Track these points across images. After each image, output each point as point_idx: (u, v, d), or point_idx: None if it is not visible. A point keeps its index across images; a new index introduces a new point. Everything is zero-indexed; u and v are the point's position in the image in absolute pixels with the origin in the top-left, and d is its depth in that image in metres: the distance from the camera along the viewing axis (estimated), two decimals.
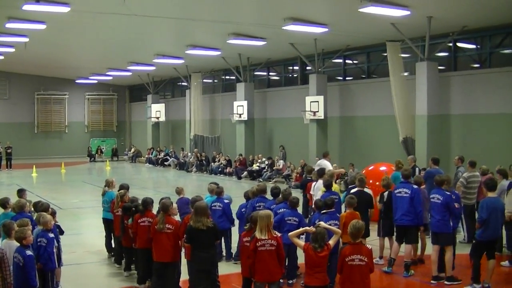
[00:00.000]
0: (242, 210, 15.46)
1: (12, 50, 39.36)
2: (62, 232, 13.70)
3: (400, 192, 15.08)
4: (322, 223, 11.54)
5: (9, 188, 32.79)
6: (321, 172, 18.49)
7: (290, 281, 13.72)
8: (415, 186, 15.08)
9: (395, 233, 15.57)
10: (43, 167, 47.07)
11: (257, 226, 10.96)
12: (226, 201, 15.97)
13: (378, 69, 33.58)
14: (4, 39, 34.77)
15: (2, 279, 10.10)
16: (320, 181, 17.54)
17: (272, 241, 10.87)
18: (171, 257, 12.53)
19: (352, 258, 10.25)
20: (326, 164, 23.68)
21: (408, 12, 23.63)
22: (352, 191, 16.00)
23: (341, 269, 10.37)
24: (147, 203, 13.61)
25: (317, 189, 17.56)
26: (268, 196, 15.53)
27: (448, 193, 14.20)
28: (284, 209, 13.93)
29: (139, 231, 13.47)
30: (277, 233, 11.22)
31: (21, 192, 15.21)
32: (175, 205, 13.40)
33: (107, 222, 16.61)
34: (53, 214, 13.31)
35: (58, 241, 12.64)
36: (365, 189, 16.09)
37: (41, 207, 13.57)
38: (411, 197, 14.79)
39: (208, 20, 28.65)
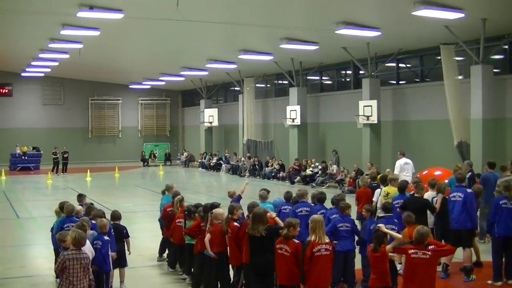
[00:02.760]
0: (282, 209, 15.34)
1: (66, 56, 39.93)
2: (127, 235, 14.13)
3: (454, 196, 15.01)
4: (382, 227, 11.50)
5: (64, 192, 33.26)
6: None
7: None
8: (469, 190, 14.94)
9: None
10: (97, 172, 47.64)
11: (312, 231, 10.92)
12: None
13: (432, 72, 33.21)
14: (59, 45, 35.30)
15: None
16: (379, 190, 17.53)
17: (327, 246, 10.85)
18: (233, 261, 12.65)
19: (415, 251, 10.30)
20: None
21: (462, 15, 23.33)
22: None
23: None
24: (207, 208, 13.71)
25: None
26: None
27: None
28: (336, 215, 13.84)
29: (202, 235, 13.54)
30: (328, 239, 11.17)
31: (80, 197, 15.46)
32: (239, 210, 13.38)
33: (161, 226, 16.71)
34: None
35: (111, 245, 12.83)
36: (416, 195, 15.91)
37: (97, 212, 13.90)
38: (464, 201, 14.69)
39: (260, 25, 28.71)
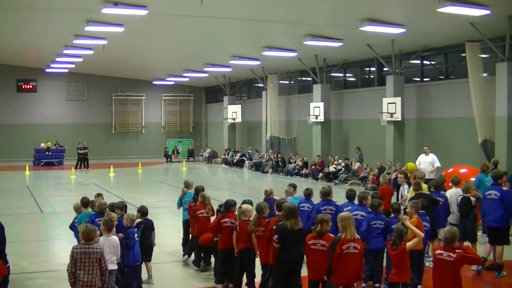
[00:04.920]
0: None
1: (90, 52, 40.09)
2: (153, 228, 14.22)
3: (490, 194, 15.05)
4: (407, 221, 11.45)
5: (87, 188, 33.40)
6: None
7: (377, 285, 13.52)
8: (505, 188, 14.96)
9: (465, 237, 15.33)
10: (120, 167, 47.78)
11: (344, 229, 10.93)
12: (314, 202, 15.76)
13: (457, 70, 33.04)
14: (84, 42, 35.46)
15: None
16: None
17: (357, 244, 10.86)
18: (265, 259, 12.51)
19: (441, 253, 10.26)
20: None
21: (488, 12, 23.17)
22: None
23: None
24: (229, 204, 13.77)
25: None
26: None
27: None
28: (357, 211, 13.85)
29: (222, 231, 13.60)
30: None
31: (98, 196, 15.56)
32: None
33: (187, 223, 16.72)
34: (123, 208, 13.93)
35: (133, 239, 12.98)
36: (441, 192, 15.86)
37: (119, 204, 14.15)
38: (501, 199, 14.74)
39: (284, 22, 28.67)
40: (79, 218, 14.21)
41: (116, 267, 11.82)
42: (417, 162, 26.05)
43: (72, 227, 14.74)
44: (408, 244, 11.06)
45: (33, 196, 31.17)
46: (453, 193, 16.05)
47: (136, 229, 13.34)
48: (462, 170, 21.72)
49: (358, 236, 11.13)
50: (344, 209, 13.79)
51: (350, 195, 14.86)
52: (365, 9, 25.70)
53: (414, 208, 12.90)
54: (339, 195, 16.51)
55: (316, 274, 11.32)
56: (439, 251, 10.30)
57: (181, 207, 17.21)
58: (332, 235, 11.33)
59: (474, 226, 15.57)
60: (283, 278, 11.72)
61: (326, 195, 14.93)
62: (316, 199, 15.73)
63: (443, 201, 15.45)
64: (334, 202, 14.91)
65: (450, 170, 22.52)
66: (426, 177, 20.63)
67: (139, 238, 13.29)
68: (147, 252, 13.85)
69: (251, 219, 12.89)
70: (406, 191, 18.00)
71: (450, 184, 16.70)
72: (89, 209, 14.36)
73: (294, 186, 16.71)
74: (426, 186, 16.79)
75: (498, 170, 16.68)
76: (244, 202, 13.64)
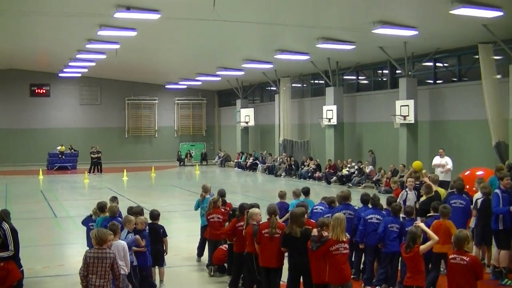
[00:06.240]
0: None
1: (103, 56, 40.25)
2: (164, 235, 14.22)
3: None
4: (421, 224, 11.45)
5: (101, 192, 33.48)
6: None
7: None
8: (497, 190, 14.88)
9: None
10: (133, 171, 47.85)
11: (332, 229, 11.02)
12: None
13: (470, 72, 32.90)
14: (96, 46, 35.56)
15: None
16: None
17: (346, 244, 11.06)
18: (277, 263, 12.33)
19: (454, 257, 10.28)
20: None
21: (501, 13, 23.05)
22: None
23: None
24: (244, 208, 13.75)
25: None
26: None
27: None
28: (372, 215, 13.83)
29: (237, 235, 13.62)
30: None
31: (113, 201, 15.59)
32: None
33: (204, 229, 16.68)
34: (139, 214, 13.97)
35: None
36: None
37: (136, 209, 14.30)
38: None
39: (296, 25, 28.70)
40: (96, 223, 14.27)
41: (125, 271, 11.81)
42: (432, 165, 26.02)
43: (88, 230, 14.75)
44: (422, 247, 11.06)
45: (47, 200, 31.28)
46: (479, 196, 15.83)
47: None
48: (479, 172, 21.55)
49: (347, 237, 11.28)
50: (362, 214, 13.84)
51: (365, 200, 14.87)
52: (378, 11, 25.67)
53: (445, 212, 12.97)
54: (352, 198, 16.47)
55: (316, 277, 11.42)
56: (452, 256, 10.29)
57: (199, 211, 17.31)
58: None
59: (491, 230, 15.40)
60: (291, 281, 11.87)
61: (344, 199, 14.81)
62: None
63: (464, 204, 15.36)
64: (353, 206, 14.84)
65: (467, 172, 22.36)
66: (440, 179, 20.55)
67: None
68: (155, 256, 13.85)
69: (259, 223, 12.83)
70: (410, 200, 17.42)
71: (475, 188, 16.57)
72: (106, 214, 14.40)
73: (305, 190, 16.76)
74: (443, 190, 16.73)
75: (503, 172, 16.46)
76: (251, 206, 13.67)
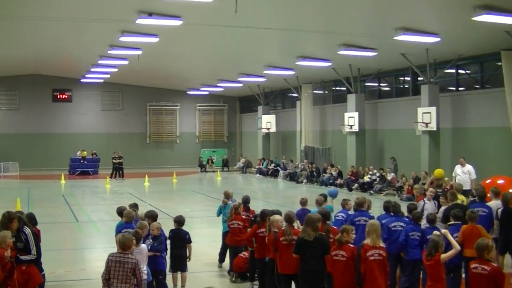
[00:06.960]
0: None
1: (125, 62, 40.45)
2: (189, 241, 14.32)
3: None
4: (445, 231, 11.41)
5: (122, 197, 33.63)
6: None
7: None
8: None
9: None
10: (154, 177, 47.92)
11: (367, 235, 10.98)
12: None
13: (492, 78, 32.69)
14: (119, 52, 35.74)
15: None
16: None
17: (381, 251, 10.86)
18: (296, 269, 12.18)
19: (476, 266, 10.16)
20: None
21: None
22: None
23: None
24: (265, 214, 13.77)
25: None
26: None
27: None
28: (395, 222, 13.78)
29: (258, 242, 13.65)
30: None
31: (134, 207, 15.65)
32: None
33: (226, 235, 16.75)
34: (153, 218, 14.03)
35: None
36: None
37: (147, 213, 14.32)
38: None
39: (318, 31, 28.69)
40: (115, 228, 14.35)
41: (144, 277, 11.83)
42: (453, 174, 25.91)
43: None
44: (443, 255, 11.00)
45: (69, 204, 31.45)
46: (494, 205, 15.76)
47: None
48: (500, 181, 21.45)
49: (383, 244, 11.14)
50: (383, 222, 13.79)
51: (386, 207, 14.87)
52: (400, 18, 25.63)
53: (473, 217, 12.98)
54: (373, 205, 16.40)
55: (338, 284, 11.39)
56: (474, 265, 10.19)
57: (221, 217, 17.36)
58: (352, 245, 11.34)
59: None
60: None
61: (359, 205, 14.90)
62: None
63: (487, 212, 15.29)
64: (368, 213, 14.84)
65: (488, 181, 22.24)
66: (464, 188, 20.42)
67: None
68: (178, 262, 14.02)
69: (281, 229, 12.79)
70: (428, 209, 17.18)
71: (489, 195, 16.48)
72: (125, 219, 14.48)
73: (325, 196, 16.74)
74: (464, 198, 16.67)
75: None
76: (273, 212, 13.69)
